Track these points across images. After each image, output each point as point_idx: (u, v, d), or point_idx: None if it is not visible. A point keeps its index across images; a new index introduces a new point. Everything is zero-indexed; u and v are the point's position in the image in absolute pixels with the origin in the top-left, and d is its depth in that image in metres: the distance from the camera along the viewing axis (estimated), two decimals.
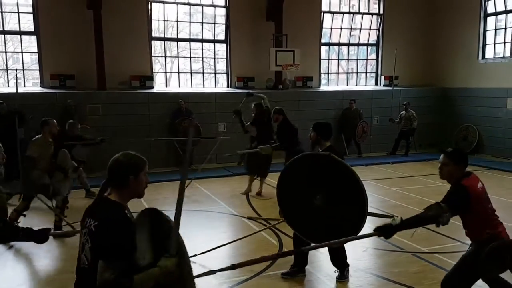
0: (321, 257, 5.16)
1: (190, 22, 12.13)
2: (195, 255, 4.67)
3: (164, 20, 11.83)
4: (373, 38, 14.14)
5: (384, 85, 13.86)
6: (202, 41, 12.43)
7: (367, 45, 14.35)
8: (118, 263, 2.07)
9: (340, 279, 4.60)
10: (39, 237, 2.98)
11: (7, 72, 10.99)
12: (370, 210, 6.85)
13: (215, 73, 12.75)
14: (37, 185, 5.96)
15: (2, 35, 10.71)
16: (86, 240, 2.20)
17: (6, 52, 10.85)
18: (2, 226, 2.97)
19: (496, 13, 12.68)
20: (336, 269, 4.63)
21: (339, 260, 4.60)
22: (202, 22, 12.28)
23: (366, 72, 14.51)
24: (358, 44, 14.22)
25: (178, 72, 12.43)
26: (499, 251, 3.19)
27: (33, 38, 10.72)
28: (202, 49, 12.50)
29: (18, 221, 5.94)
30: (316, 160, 4.20)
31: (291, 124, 7.65)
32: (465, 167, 3.40)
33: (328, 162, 4.04)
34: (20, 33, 10.75)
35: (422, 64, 14.22)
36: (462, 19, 13.25)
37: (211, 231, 6.35)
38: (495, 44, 12.82)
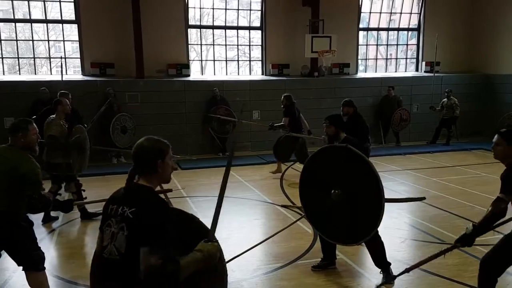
0: (364, 250, 5.06)
1: (225, 9, 12.10)
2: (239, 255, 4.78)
3: (200, 8, 11.86)
4: (413, 23, 13.65)
5: (425, 72, 13.40)
6: (238, 28, 12.39)
7: (408, 29, 13.86)
8: (163, 248, 2.01)
9: (387, 281, 4.27)
10: (66, 207, 3.87)
11: (50, 60, 11.37)
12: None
13: (249, 60, 12.71)
14: (64, 164, 5.97)
15: (45, 24, 11.05)
16: (120, 228, 2.11)
17: (48, 40, 11.20)
18: (37, 198, 3.45)
19: None
20: (380, 270, 4.37)
21: (381, 260, 4.33)
22: (238, 9, 12.23)
23: (406, 58, 14.05)
24: (398, 29, 13.77)
25: (214, 60, 12.47)
26: None
27: (74, 26, 11.01)
28: (238, 37, 12.46)
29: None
30: (334, 153, 4.16)
31: (361, 119, 7.09)
32: None
33: (345, 154, 3.99)
34: (62, 21, 11.06)
35: (465, 49, 13.64)
36: (508, 2, 12.55)
37: (243, 218, 6.39)
38: None
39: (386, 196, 3.90)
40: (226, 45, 12.42)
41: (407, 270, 3.73)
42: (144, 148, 2.23)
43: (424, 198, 5.12)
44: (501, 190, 3.32)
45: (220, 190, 2.25)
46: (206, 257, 2.12)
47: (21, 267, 3.66)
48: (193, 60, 12.22)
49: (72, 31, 11.20)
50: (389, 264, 4.39)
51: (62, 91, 7.42)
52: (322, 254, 4.62)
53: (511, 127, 12.22)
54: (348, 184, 3.97)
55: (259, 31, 12.35)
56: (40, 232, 5.71)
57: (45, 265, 3.72)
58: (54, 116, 6.02)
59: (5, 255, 3.70)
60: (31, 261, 3.61)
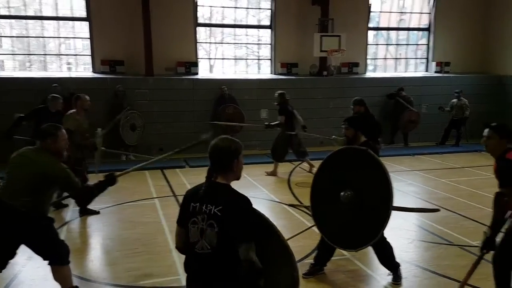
0: (371, 251, 5.05)
1: (235, 7, 12.11)
2: None
3: (209, 6, 11.88)
4: (424, 22, 13.54)
5: (435, 72, 13.30)
6: (247, 26, 12.39)
7: (418, 29, 13.76)
8: (254, 242, 2.23)
9: (395, 281, 4.28)
10: (110, 182, 4.01)
11: (60, 57, 11.45)
12: (417, 202, 6.70)
13: (258, 59, 12.70)
14: (73, 158, 5.95)
15: (56, 21, 11.14)
16: (208, 225, 2.28)
17: (59, 37, 11.27)
18: (79, 191, 3.71)
19: None
20: (389, 272, 4.35)
21: (389, 261, 4.32)
22: (247, 8, 12.23)
23: (415, 58, 13.95)
24: (409, 29, 13.68)
25: (222, 58, 12.48)
26: None
27: (85, 24, 11.08)
28: (247, 35, 12.45)
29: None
30: (352, 155, 4.12)
31: (373, 118, 7.01)
32: (508, 142, 3.59)
33: (363, 158, 3.97)
34: (73, 19, 11.14)
35: (476, 50, 13.51)
36: None
37: None
38: None
39: (397, 200, 3.89)
40: (235, 43, 12.42)
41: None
42: (221, 148, 2.37)
43: (438, 210, 5.07)
44: (499, 184, 3.45)
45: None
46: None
47: (34, 262, 3.79)
48: (202, 58, 12.23)
49: (82, 28, 11.26)
50: (398, 265, 4.36)
51: (53, 95, 7.45)
52: (316, 259, 4.49)
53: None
54: (360, 188, 3.94)
55: (268, 30, 12.34)
56: None
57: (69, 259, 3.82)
58: (73, 110, 6.23)
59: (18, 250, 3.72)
60: (56, 256, 3.70)
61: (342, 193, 3.97)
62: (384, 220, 3.83)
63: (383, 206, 3.84)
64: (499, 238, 3.62)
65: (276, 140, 8.81)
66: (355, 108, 6.80)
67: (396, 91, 12.00)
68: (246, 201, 2.31)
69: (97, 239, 5.77)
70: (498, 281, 3.69)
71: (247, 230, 2.24)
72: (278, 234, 2.53)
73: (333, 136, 6.65)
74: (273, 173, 8.81)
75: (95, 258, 5.19)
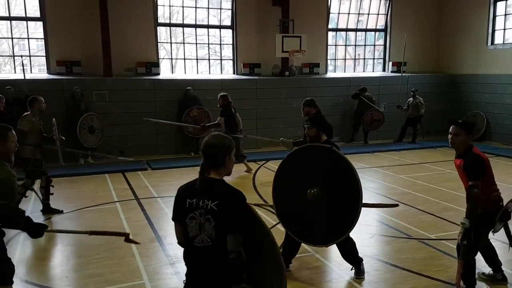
0: (334, 247, 5.15)
1: (196, 7, 12.03)
2: None
3: (169, 6, 11.74)
4: (381, 24, 13.96)
5: (391, 72, 13.73)
6: (208, 27, 12.33)
7: (375, 30, 14.17)
8: (243, 232, 2.35)
9: (358, 275, 4.37)
10: (35, 231, 3.22)
11: (14, 58, 10.99)
12: (377, 197, 6.89)
13: (221, 59, 12.67)
14: (32, 159, 6.14)
15: (9, 21, 10.68)
16: (206, 219, 2.37)
17: (12, 38, 10.82)
18: (12, 208, 3.15)
19: None
20: (351, 266, 4.44)
21: (352, 256, 4.41)
22: (208, 8, 12.18)
23: (373, 58, 14.36)
24: (366, 30, 14.05)
25: (184, 59, 12.37)
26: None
27: (39, 24, 10.69)
28: (208, 35, 12.40)
29: (26, 195, 6.13)
30: (316, 153, 4.16)
31: (325, 119, 6.98)
32: (473, 137, 3.80)
33: (328, 156, 4.03)
34: (26, 19, 10.71)
35: (431, 50, 14.08)
36: (472, 4, 13.05)
37: None
38: (504, 29, 12.61)
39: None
40: (196, 43, 12.34)
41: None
42: (214, 145, 2.46)
43: (397, 205, 5.29)
44: (471, 178, 3.62)
45: None
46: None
47: None
48: (163, 59, 12.08)
49: (37, 28, 10.86)
50: (361, 260, 4.47)
51: None
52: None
53: (475, 125, 12.70)
54: (327, 185, 3.99)
55: (230, 30, 12.34)
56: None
57: (13, 279, 3.47)
58: (28, 112, 6.36)
59: None
60: (1, 274, 3.36)
61: (309, 191, 4.00)
62: (355, 216, 3.91)
63: (352, 202, 3.91)
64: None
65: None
66: (304, 109, 6.41)
67: (359, 91, 12.30)
68: (240, 196, 2.40)
69: (57, 246, 5.58)
70: (464, 270, 3.80)
71: (239, 223, 2.35)
72: (264, 226, 2.64)
73: (281, 139, 6.66)
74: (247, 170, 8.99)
75: (56, 265, 5.03)
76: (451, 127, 3.79)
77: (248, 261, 2.39)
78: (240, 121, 9.06)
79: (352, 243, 4.37)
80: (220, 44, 12.52)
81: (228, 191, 2.42)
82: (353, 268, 4.44)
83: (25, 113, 6.39)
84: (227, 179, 2.52)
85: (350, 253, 4.39)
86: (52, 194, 6.58)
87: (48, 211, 6.52)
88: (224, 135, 2.55)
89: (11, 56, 10.99)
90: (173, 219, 2.55)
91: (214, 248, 2.38)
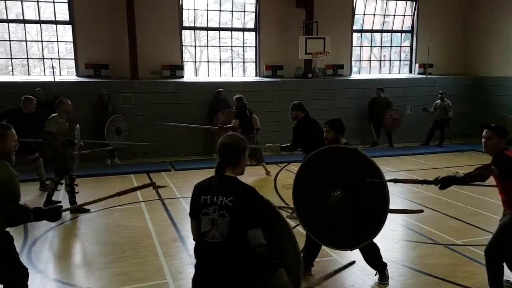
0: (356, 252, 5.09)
1: (220, 10, 12.12)
2: None
3: (194, 9, 11.86)
4: (407, 25, 13.75)
5: (418, 73, 13.50)
6: (232, 29, 12.41)
7: (401, 31, 13.96)
8: (258, 226, 2.41)
9: (382, 281, 4.33)
10: (51, 215, 3.22)
11: (43, 61, 11.32)
12: (402, 202, 6.77)
13: (244, 62, 12.73)
14: (63, 161, 6.60)
15: (38, 25, 11.00)
16: (219, 215, 2.44)
17: (42, 41, 11.15)
18: (14, 209, 3.09)
19: None
20: (375, 272, 4.39)
21: (376, 261, 4.35)
22: (232, 11, 12.25)
23: (399, 60, 14.14)
24: (392, 31, 13.86)
25: (208, 61, 12.48)
26: None
27: (68, 27, 10.97)
28: (232, 38, 12.48)
29: (58, 189, 6.89)
30: (341, 154, 4.12)
31: (313, 124, 6.29)
32: (506, 141, 3.77)
33: (352, 157, 3.98)
34: (56, 22, 11.02)
35: (458, 51, 13.78)
36: (500, 5, 12.71)
37: None
38: None
39: None
40: (220, 46, 12.43)
41: None
42: (230, 144, 2.56)
43: (422, 211, 5.20)
44: (492, 163, 3.62)
45: None
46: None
47: None
48: (187, 62, 12.21)
49: (66, 32, 11.15)
50: (385, 265, 4.40)
51: (26, 96, 8.01)
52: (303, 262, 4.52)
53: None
54: (351, 187, 3.93)
55: (253, 33, 12.38)
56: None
57: (27, 283, 3.40)
58: (55, 114, 6.59)
59: None
60: (11, 281, 3.25)
61: (332, 193, 3.95)
62: (381, 221, 3.86)
63: (378, 207, 3.85)
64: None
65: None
66: (292, 113, 6.24)
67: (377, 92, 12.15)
68: (254, 191, 2.49)
69: (84, 244, 5.72)
70: (490, 273, 3.79)
71: (256, 217, 2.42)
72: (281, 216, 2.74)
73: (267, 144, 6.69)
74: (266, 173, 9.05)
75: (82, 263, 5.15)
76: (484, 131, 3.80)
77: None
78: (257, 122, 9.15)
79: (375, 248, 4.30)
80: (243, 47, 12.58)
81: (242, 187, 2.50)
82: (377, 273, 4.38)
83: (53, 115, 6.61)
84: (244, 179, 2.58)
85: (374, 258, 4.33)
86: (77, 192, 6.74)
87: (75, 209, 6.55)
88: (238, 136, 2.66)
89: (41, 58, 11.31)
90: (190, 215, 2.62)
91: (224, 245, 2.43)
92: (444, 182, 3.54)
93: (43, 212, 3.23)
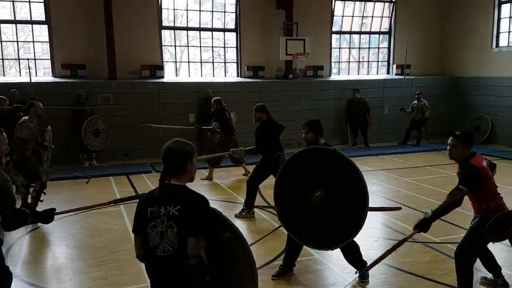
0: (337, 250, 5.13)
1: (200, 10, 12.06)
2: None
3: (173, 9, 11.78)
4: (385, 26, 13.95)
5: (396, 74, 13.71)
6: (212, 30, 12.37)
7: (379, 33, 14.16)
8: (206, 237, 2.29)
9: (362, 279, 4.36)
10: (46, 218, 3.32)
11: (19, 61, 11.07)
12: (381, 200, 6.86)
13: (224, 62, 12.70)
14: (32, 166, 6.24)
15: (14, 25, 10.75)
16: (168, 226, 2.31)
17: (17, 41, 10.90)
18: (11, 213, 3.05)
19: (511, 1, 12.41)
20: (356, 270, 4.40)
21: (356, 260, 4.39)
22: (212, 11, 12.21)
23: (377, 61, 14.34)
24: (370, 32, 14.05)
25: (188, 62, 12.41)
26: (502, 220, 3.56)
27: (44, 27, 10.76)
28: (212, 38, 12.43)
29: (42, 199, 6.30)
30: (320, 155, 4.15)
31: (275, 126, 6.57)
32: (471, 148, 3.76)
33: (332, 158, 4.01)
34: (31, 22, 10.79)
35: (435, 53, 14.05)
36: (476, 6, 13.02)
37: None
38: (509, 32, 12.56)
39: None
40: (200, 46, 12.38)
41: (372, 265, 3.83)
42: (174, 151, 2.39)
43: (400, 208, 5.24)
44: (460, 183, 3.62)
45: None
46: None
47: None
48: (167, 62, 12.12)
49: (42, 32, 10.93)
50: (365, 263, 4.45)
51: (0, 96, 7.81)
52: (284, 260, 4.53)
53: (480, 128, 12.69)
54: (331, 187, 3.97)
55: (234, 33, 12.36)
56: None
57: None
58: (26, 117, 6.23)
59: None
60: None
61: (312, 193, 3.98)
62: (361, 220, 3.90)
63: (358, 206, 3.90)
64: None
65: (214, 146, 8.87)
66: (255, 115, 6.41)
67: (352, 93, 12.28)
68: (202, 199, 2.37)
69: (62, 248, 5.60)
70: (461, 276, 3.85)
71: (201, 227, 2.29)
72: (230, 224, 2.60)
73: (231, 149, 6.95)
74: (209, 177, 8.79)
75: (60, 267, 5.04)
76: (450, 139, 3.79)
77: (215, 263, 2.37)
78: (233, 121, 9.18)
79: (355, 246, 4.35)
80: (224, 47, 12.55)
81: (189, 195, 2.36)
82: (357, 271, 4.43)
83: (23, 119, 6.27)
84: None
85: (354, 256, 4.38)
86: (41, 201, 6.19)
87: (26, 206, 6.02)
88: (184, 141, 2.45)
89: (17, 59, 11.06)
90: (133, 231, 2.46)
91: (176, 257, 2.30)
92: (421, 228, 3.58)
93: (40, 215, 3.33)
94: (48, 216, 3.32)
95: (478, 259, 4.02)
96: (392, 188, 8.16)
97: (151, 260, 2.40)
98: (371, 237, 5.51)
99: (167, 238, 2.31)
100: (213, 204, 2.49)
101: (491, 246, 4.04)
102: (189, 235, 2.27)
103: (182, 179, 2.41)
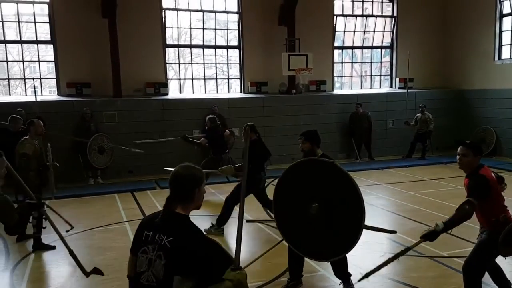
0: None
1: (203, 28, 12.21)
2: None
3: (177, 28, 11.94)
4: (387, 41, 14.04)
5: (399, 88, 13.75)
6: (216, 47, 12.50)
7: (381, 47, 14.25)
8: (196, 277, 2.08)
9: None
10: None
11: (25, 81, 11.20)
12: (386, 214, 6.80)
13: (228, 78, 12.80)
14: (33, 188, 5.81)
15: (19, 45, 10.92)
16: (157, 256, 2.15)
17: (23, 61, 11.05)
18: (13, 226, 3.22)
19: None
20: (340, 281, 4.40)
21: (343, 272, 4.37)
22: (215, 29, 12.36)
23: (380, 75, 14.40)
24: (372, 47, 14.13)
25: (192, 79, 12.52)
26: None
27: (50, 47, 10.91)
28: (216, 55, 12.56)
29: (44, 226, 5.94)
30: (317, 167, 4.09)
31: (263, 146, 6.60)
32: (480, 158, 3.73)
33: (329, 170, 3.95)
34: (37, 42, 10.95)
35: (438, 66, 14.09)
36: (478, 20, 13.10)
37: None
38: (511, 44, 12.61)
39: (366, 214, 3.90)
40: (204, 63, 12.49)
41: (367, 275, 3.66)
42: (183, 177, 2.25)
43: (395, 232, 5.23)
44: (470, 195, 3.54)
45: (238, 218, 2.31)
46: (237, 286, 2.08)
47: None
48: (171, 79, 12.23)
49: (47, 51, 11.09)
50: (350, 275, 4.39)
51: (13, 115, 7.65)
52: (290, 274, 4.51)
53: (485, 140, 12.64)
54: (329, 200, 3.91)
55: (237, 50, 12.49)
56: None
57: None
58: (27, 136, 6.10)
59: None
60: None
61: (310, 204, 3.90)
62: (356, 236, 3.84)
63: (354, 221, 3.83)
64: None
65: (204, 162, 8.67)
66: (244, 134, 6.42)
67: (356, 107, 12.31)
68: (196, 235, 2.18)
69: (65, 267, 5.57)
70: None
71: (190, 268, 2.10)
72: (231, 260, 2.33)
73: (220, 168, 6.83)
74: None
75: (65, 286, 5.01)
76: (459, 148, 3.74)
77: None
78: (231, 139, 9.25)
79: (344, 258, 4.29)
80: (228, 64, 12.66)
81: (186, 229, 2.18)
82: (342, 283, 4.38)
83: (24, 138, 6.11)
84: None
85: (340, 268, 4.34)
86: (44, 227, 5.67)
87: (38, 247, 5.84)
88: (194, 166, 2.30)
89: (22, 78, 11.20)
90: (131, 250, 2.35)
91: None
92: (428, 238, 3.53)
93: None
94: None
95: (486, 273, 3.97)
96: (397, 201, 8.10)
97: (135, 285, 2.27)
98: (377, 252, 5.45)
99: (154, 267, 2.15)
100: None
101: (499, 260, 3.99)
102: (176, 273, 2.09)
103: (188, 207, 2.25)
